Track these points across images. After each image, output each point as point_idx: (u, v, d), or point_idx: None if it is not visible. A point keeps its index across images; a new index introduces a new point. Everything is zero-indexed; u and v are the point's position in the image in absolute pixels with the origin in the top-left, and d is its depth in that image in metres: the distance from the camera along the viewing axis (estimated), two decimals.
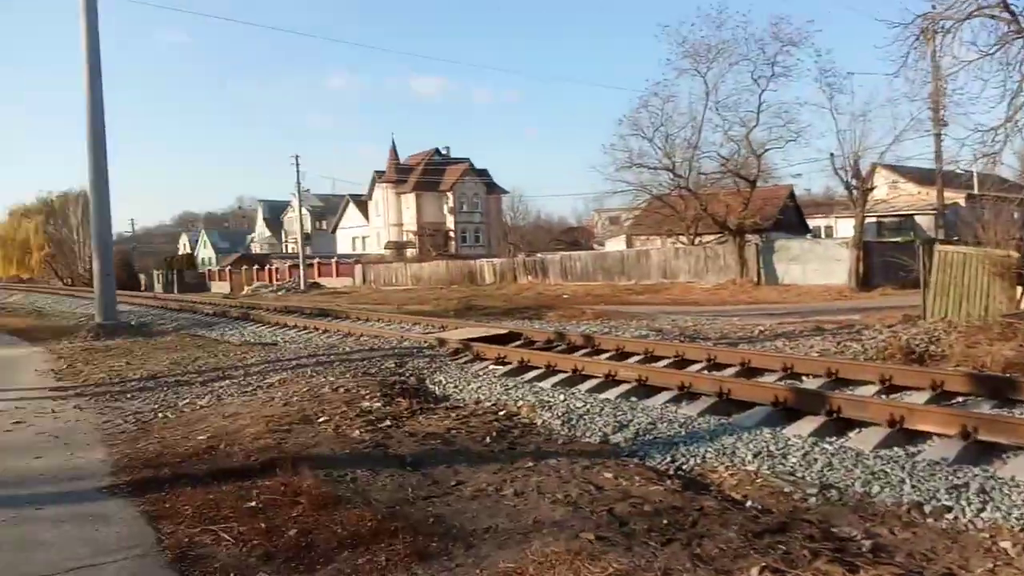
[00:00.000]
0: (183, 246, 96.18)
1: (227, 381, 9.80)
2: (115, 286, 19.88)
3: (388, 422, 6.96)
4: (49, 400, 9.41)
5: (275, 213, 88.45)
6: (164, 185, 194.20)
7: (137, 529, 4.55)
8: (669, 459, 5.92)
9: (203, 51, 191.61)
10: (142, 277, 68.66)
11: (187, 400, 8.75)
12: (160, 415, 8.07)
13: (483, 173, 67.96)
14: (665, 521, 4.28)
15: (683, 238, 34.00)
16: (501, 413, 7.53)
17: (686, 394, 7.91)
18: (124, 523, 4.67)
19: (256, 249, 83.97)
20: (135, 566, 3.99)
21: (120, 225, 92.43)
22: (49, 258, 79.65)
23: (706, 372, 9.15)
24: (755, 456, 5.74)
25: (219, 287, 59.05)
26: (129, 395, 9.45)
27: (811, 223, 42.54)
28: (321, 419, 7.08)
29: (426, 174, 65.90)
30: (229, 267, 63.80)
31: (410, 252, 61.47)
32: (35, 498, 5.27)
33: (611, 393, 8.32)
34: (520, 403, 7.89)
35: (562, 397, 8.07)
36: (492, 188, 67.11)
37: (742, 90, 30.48)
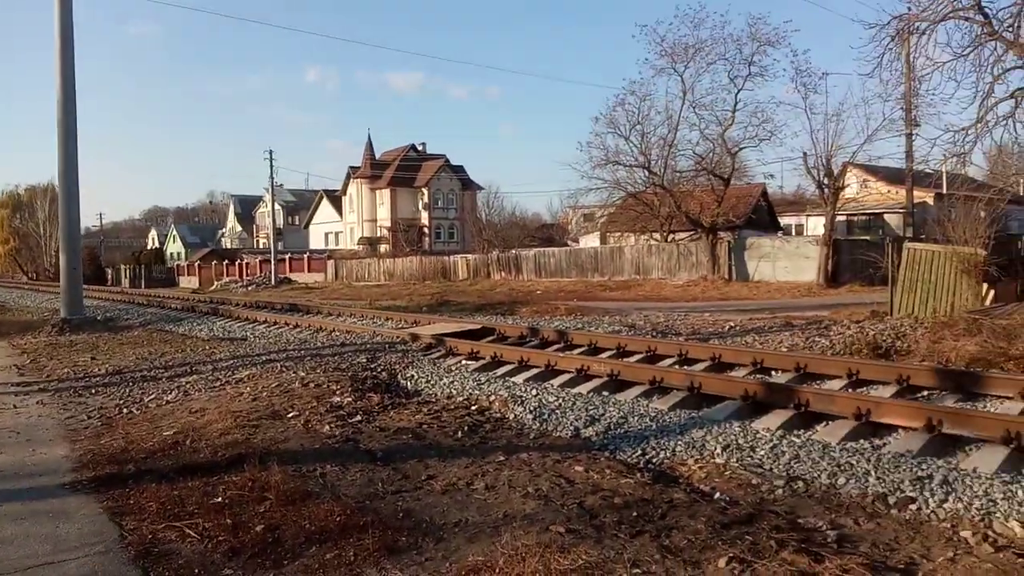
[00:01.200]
0: (152, 240, 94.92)
1: (194, 376, 9.66)
2: (82, 281, 19.54)
3: (359, 417, 6.91)
4: (11, 396, 9.22)
5: (247, 208, 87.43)
6: (134, 179, 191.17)
7: (99, 526, 4.47)
8: (640, 452, 5.96)
9: (174, 43, 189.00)
10: (109, 272, 67.60)
11: (153, 396, 8.61)
12: (125, 411, 7.93)
13: (459, 169, 67.80)
14: (635, 513, 4.30)
15: (657, 235, 34.24)
16: (473, 408, 7.51)
17: (657, 388, 7.94)
18: (86, 520, 4.59)
19: (227, 244, 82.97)
20: (97, 563, 3.91)
21: (88, 219, 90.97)
22: (14, 252, 78.10)
23: (677, 367, 9.20)
24: (724, 449, 5.79)
25: (188, 282, 58.33)
26: (93, 390, 9.29)
27: (782, 221, 42.96)
28: (291, 414, 7.01)
29: (401, 170, 65.59)
30: (198, 262, 63.02)
31: (383, 248, 61.09)
32: None
33: (583, 388, 8.33)
34: (492, 398, 7.88)
35: (534, 392, 8.06)
36: (467, 184, 66.92)
37: (719, 89, 30.90)
